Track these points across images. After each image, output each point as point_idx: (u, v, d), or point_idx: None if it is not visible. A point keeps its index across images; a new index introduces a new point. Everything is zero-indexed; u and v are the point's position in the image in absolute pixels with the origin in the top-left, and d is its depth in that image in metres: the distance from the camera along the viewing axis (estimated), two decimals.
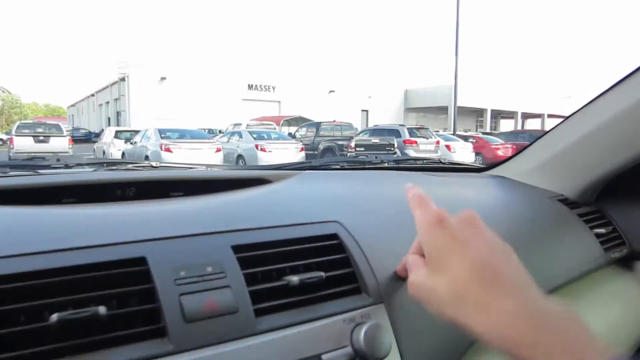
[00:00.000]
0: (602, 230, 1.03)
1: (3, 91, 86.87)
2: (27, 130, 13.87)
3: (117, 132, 16.30)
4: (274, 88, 36.48)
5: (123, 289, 0.45)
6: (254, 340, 0.46)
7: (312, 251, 0.58)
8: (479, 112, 43.83)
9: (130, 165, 1.08)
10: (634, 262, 1.08)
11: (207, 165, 1.17)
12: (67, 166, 1.03)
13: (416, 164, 1.31)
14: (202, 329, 0.44)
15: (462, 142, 15.49)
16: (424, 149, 13.59)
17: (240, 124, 19.72)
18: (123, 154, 13.41)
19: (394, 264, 0.60)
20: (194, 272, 0.48)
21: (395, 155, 12.74)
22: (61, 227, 0.52)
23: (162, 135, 11.84)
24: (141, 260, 0.47)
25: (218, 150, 11.74)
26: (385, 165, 1.23)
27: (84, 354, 0.40)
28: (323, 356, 0.48)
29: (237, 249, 0.52)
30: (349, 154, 12.80)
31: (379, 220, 0.70)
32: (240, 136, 13.51)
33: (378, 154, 12.57)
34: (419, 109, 43.29)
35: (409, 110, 43.78)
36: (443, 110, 39.63)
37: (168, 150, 11.05)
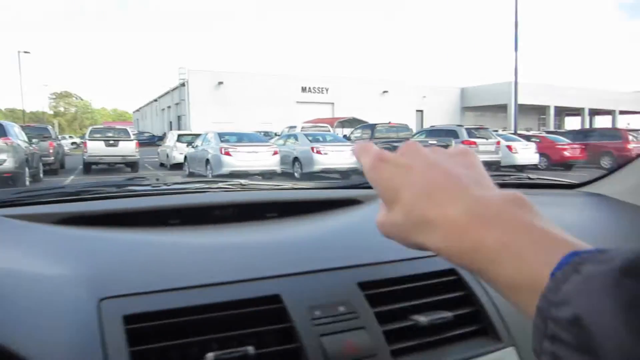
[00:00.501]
0: None
1: (76, 98, 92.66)
2: (98, 135, 14.62)
3: (179, 135, 16.94)
4: (327, 90, 36.69)
5: (263, 327, 0.46)
6: None
7: (431, 287, 0.57)
8: (540, 110, 42.03)
9: (221, 184, 1.12)
10: None
11: (294, 185, 1.18)
12: (166, 184, 1.08)
13: (504, 180, 1.27)
14: None
15: (524, 142, 14.87)
16: (483, 149, 13.20)
17: (295, 127, 19.95)
18: (185, 157, 13.92)
19: None
20: (328, 312, 0.48)
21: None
22: (193, 259, 0.54)
23: (222, 139, 12.19)
24: (276, 298, 0.48)
25: (275, 153, 11.94)
26: None
27: None
28: None
29: (363, 285, 0.52)
30: None
31: None
32: (296, 139, 13.67)
33: None
34: (477, 108, 42.13)
35: (465, 109, 42.71)
36: (502, 108, 38.33)
37: (227, 153, 11.37)
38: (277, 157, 11.92)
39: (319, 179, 11.49)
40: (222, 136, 12.49)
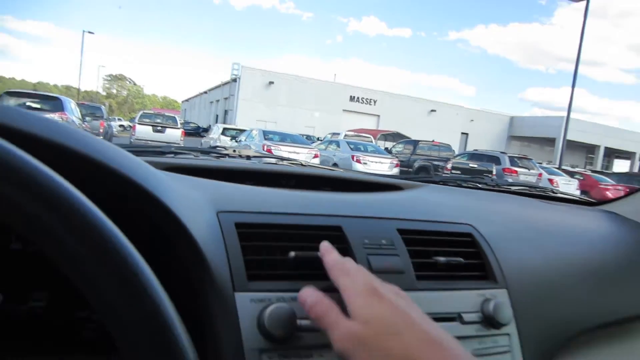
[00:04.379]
0: None
1: (129, 82, 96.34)
2: (147, 120, 14.87)
3: (224, 129, 17.49)
4: (374, 102, 36.83)
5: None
6: (415, 294, 0.64)
7: (453, 242, 0.75)
8: (589, 149, 40.80)
9: (286, 162, 1.33)
10: None
11: (344, 170, 1.38)
12: (240, 156, 1.30)
13: (529, 191, 1.42)
14: (381, 278, 0.63)
15: (567, 177, 14.60)
16: (524, 180, 13.10)
17: (338, 134, 20.21)
18: None
19: (515, 261, 0.76)
20: (374, 242, 0.67)
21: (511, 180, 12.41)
22: (284, 199, 0.74)
23: (265, 137, 12.55)
24: (339, 228, 0.68)
25: (316, 156, 12.19)
26: (502, 188, 1.36)
27: (312, 281, 0.61)
28: (462, 314, 0.65)
29: (401, 231, 0.71)
30: (443, 176, 12.76)
31: (504, 230, 0.85)
32: (338, 145, 13.92)
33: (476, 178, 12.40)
34: (524, 139, 41.32)
35: (512, 138, 41.93)
36: (550, 142, 37.45)
37: (269, 151, 11.69)
38: (317, 161, 12.18)
39: None
40: (266, 134, 12.86)
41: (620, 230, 1.15)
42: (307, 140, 17.10)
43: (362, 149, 13.61)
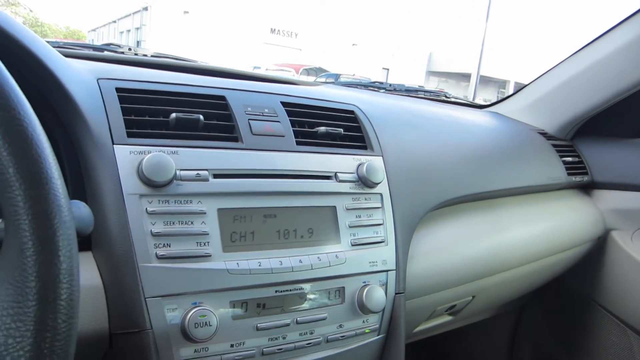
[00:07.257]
0: (569, 159, 1.25)
1: (25, 9, 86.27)
2: None
3: None
4: (296, 35, 35.86)
5: (213, 110, 0.68)
6: (295, 154, 0.69)
7: (336, 117, 0.80)
8: (501, 84, 43.05)
9: (186, 62, 1.30)
10: (593, 190, 1.31)
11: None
12: (136, 54, 1.25)
13: (425, 95, 1.51)
14: (262, 140, 0.67)
15: None
16: None
17: (259, 67, 19.67)
18: None
19: (393, 136, 0.83)
20: (257, 110, 0.70)
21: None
22: (170, 75, 0.74)
23: None
24: (223, 97, 0.70)
25: None
26: (400, 93, 1.43)
27: (193, 140, 0.63)
28: (338, 174, 0.71)
29: (284, 104, 0.75)
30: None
31: (387, 112, 0.92)
32: None
33: None
34: (442, 74, 42.53)
35: (431, 73, 43.05)
36: (466, 77, 38.84)
37: None
38: None
39: None
40: None
41: (497, 124, 1.27)
42: None
43: None
